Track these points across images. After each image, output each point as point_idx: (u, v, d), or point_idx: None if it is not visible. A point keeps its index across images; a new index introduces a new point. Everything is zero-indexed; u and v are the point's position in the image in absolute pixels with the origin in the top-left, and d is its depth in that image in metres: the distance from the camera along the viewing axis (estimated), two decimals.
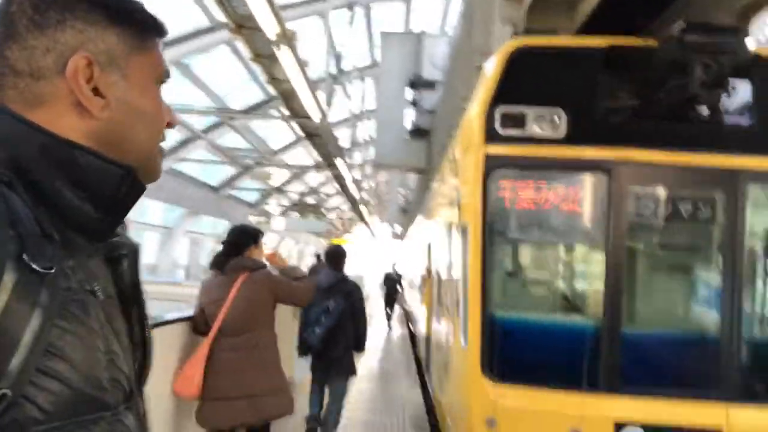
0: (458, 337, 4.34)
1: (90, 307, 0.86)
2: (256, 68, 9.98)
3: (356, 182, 20.89)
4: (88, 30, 0.88)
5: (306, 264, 47.25)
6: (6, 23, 0.87)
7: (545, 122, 3.88)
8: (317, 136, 13.02)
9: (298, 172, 27.46)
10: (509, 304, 4.16)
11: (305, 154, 25.81)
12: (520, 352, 3.97)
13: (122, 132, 0.91)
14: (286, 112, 12.27)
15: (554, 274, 4.27)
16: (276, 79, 9.13)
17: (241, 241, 4.05)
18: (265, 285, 3.94)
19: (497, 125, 3.88)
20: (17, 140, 0.85)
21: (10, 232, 0.77)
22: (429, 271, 8.63)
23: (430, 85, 13.44)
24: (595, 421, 3.73)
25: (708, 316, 3.95)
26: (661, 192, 3.81)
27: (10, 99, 0.88)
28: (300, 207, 28.20)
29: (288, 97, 10.13)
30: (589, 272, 4.09)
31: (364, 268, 36.34)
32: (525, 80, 3.89)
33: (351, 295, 6.06)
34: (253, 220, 24.74)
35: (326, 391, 6.08)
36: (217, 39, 13.39)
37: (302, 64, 7.83)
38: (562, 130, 3.84)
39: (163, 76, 0.98)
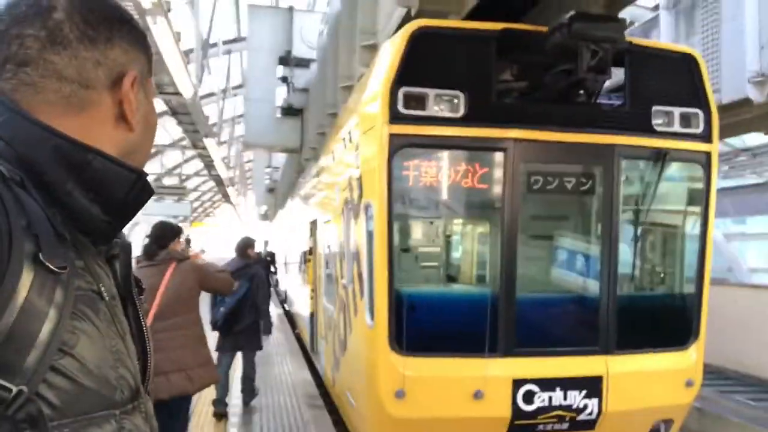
0: (361, 316, 4.40)
1: (98, 307, 0.87)
2: None
3: (224, 161, 20.08)
4: (130, 51, 0.97)
5: None
6: (50, 29, 0.89)
7: (445, 103, 4.02)
8: (185, 113, 12.30)
9: (155, 151, 25.80)
10: (413, 279, 4.29)
11: (161, 132, 24.30)
12: (425, 325, 4.12)
13: (140, 142, 1.00)
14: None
15: (454, 248, 4.47)
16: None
17: (167, 235, 4.47)
18: (192, 274, 4.36)
19: (400, 105, 3.95)
20: (31, 142, 0.87)
21: (27, 232, 0.79)
22: (313, 250, 8.59)
23: (303, 62, 13.15)
24: (495, 381, 4.01)
25: (588, 279, 4.39)
26: (550, 168, 4.12)
27: (46, 102, 0.90)
28: (161, 190, 26.53)
29: (155, 71, 9.45)
30: (486, 245, 4.34)
31: (229, 250, 35.11)
32: (426, 61, 3.99)
33: (254, 278, 6.70)
34: None
35: (232, 365, 6.80)
36: None
37: (176, 37, 7.32)
38: (461, 111, 4.01)
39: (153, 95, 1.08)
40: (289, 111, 13.40)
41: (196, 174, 29.33)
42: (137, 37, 0.99)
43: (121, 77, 0.94)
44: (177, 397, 4.03)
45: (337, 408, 6.28)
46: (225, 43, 17.50)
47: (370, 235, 4.13)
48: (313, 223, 8.49)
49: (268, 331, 7.68)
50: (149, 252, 4.41)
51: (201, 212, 45.26)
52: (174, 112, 13.38)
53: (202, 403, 6.56)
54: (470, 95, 3.98)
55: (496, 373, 4.04)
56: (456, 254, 4.52)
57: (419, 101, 3.98)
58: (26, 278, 0.76)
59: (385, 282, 3.98)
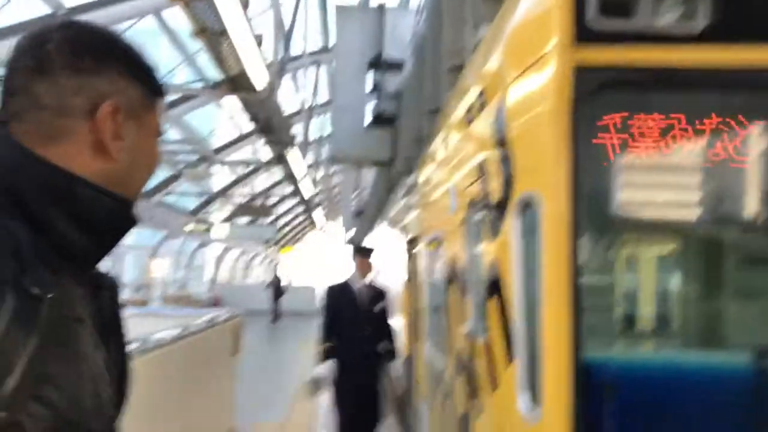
0: (509, 391, 2.56)
1: (79, 334, 0.92)
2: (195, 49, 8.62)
3: (310, 180, 19.13)
4: (117, 81, 1.00)
5: (255, 276, 44.32)
6: (39, 59, 0.96)
7: (670, 7, 2.16)
8: (269, 129, 11.38)
9: (243, 175, 25.42)
10: (615, 337, 2.39)
11: (250, 154, 23.88)
12: (639, 420, 2.24)
13: (130, 173, 1.03)
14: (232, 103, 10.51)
15: (691, 284, 2.48)
16: (224, 59, 7.42)
17: None
18: None
19: (593, 13, 2.13)
20: (17, 169, 0.92)
21: (12, 257, 0.82)
22: (410, 278, 6.91)
23: (395, 66, 12.04)
24: None
25: None
26: None
27: (26, 131, 0.95)
28: (245, 210, 25.98)
29: (238, 83, 8.45)
30: (755, 282, 2.35)
31: (317, 277, 34.25)
32: None
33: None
34: (187, 228, 22.55)
35: None
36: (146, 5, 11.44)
37: (257, 41, 6.32)
38: (700, 21, 2.12)
39: (159, 131, 1.09)
40: (380, 120, 12.44)
41: (286, 197, 28.82)
42: (133, 69, 1.02)
43: (99, 105, 0.96)
44: None
45: None
46: (311, 54, 16.49)
47: (530, 255, 2.29)
48: (411, 243, 6.78)
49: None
50: None
51: (290, 238, 45.19)
52: (258, 129, 12.53)
53: None
54: None
55: None
56: (695, 295, 2.50)
57: (625, 6, 2.15)
58: (8, 303, 0.79)
59: (564, 340, 2.11)
